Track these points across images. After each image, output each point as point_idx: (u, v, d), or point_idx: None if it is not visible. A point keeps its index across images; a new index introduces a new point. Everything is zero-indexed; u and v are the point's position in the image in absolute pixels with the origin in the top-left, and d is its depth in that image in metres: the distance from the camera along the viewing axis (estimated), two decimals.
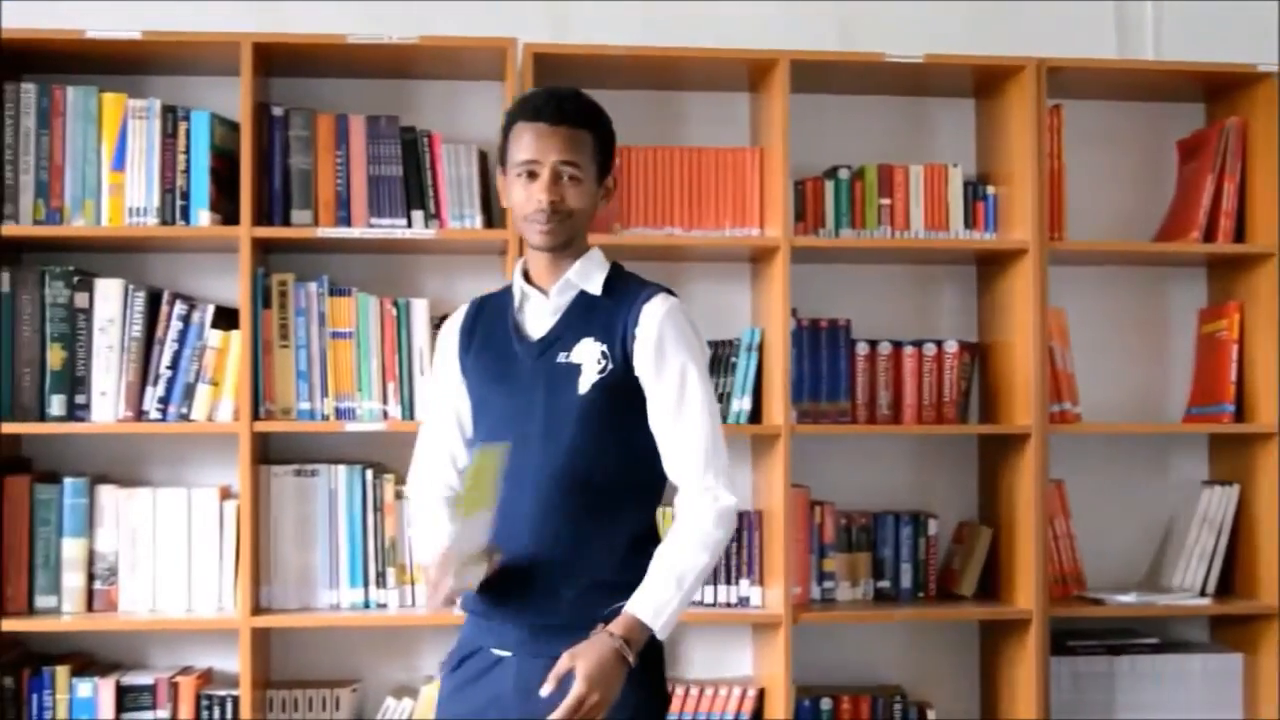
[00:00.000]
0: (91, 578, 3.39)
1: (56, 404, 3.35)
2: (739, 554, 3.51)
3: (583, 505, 2.44)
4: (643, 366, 2.45)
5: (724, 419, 3.47)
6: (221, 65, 3.40)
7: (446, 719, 2.51)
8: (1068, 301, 3.68)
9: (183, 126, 3.39)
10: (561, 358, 2.47)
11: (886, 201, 3.60)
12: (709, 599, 3.51)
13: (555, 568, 2.43)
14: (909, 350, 3.63)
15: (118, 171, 3.38)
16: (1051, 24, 3.82)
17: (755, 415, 3.52)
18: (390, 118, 3.46)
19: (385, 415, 3.41)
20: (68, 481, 3.38)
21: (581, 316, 2.50)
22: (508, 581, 2.44)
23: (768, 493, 3.50)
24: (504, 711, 2.42)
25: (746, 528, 3.52)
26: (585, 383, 2.44)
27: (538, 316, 2.53)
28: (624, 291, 2.51)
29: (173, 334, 3.38)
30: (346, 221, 3.42)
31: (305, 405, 3.40)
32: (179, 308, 3.39)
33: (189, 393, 3.37)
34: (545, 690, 2.28)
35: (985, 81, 3.65)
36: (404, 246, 3.51)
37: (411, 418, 3.39)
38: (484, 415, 2.55)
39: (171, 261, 3.58)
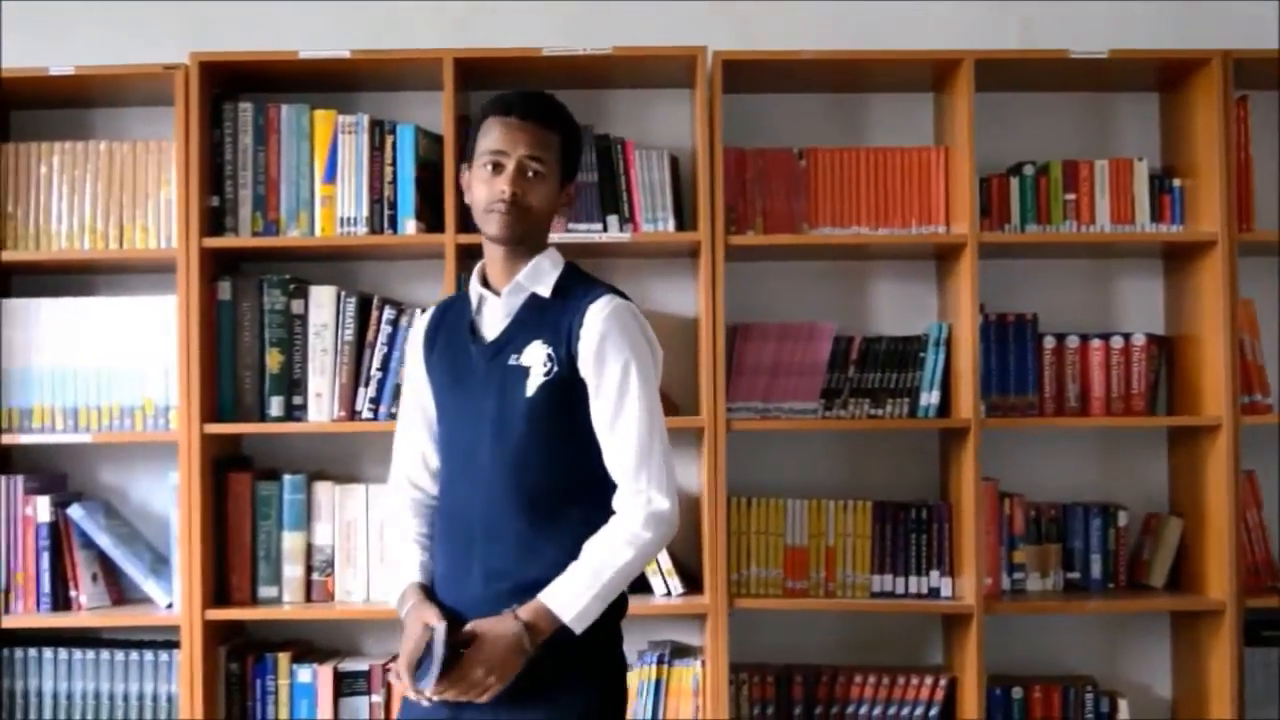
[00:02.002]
0: (309, 569, 3.55)
1: (275, 405, 3.53)
2: (929, 546, 3.57)
3: (529, 506, 2.46)
4: (586, 367, 2.47)
5: (912, 413, 3.57)
6: (425, 81, 3.55)
7: (416, 717, 2.52)
8: (1256, 292, 3.67)
9: (389, 140, 3.54)
10: (512, 360, 2.49)
11: (1071, 196, 3.63)
12: (899, 589, 3.58)
13: (503, 566, 2.46)
14: (1096, 343, 3.65)
15: (329, 184, 3.54)
16: (1235, 15, 3.79)
17: (943, 409, 3.59)
18: (585, 127, 3.54)
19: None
20: (286, 478, 3.56)
21: (531, 318, 2.52)
22: (463, 578, 2.49)
23: (958, 485, 3.55)
24: (455, 707, 2.43)
25: (936, 520, 3.58)
26: (532, 385, 2.46)
27: (492, 318, 2.56)
28: (572, 293, 2.53)
29: (382, 337, 3.53)
30: None
31: None
32: (388, 312, 3.54)
33: (399, 393, 3.50)
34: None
35: (1170, 75, 3.66)
36: (600, 250, 3.63)
37: None
38: (444, 417, 2.60)
39: (380, 268, 3.74)
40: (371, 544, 3.55)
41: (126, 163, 3.57)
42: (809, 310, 3.72)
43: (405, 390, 2.72)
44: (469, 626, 2.39)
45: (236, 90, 3.61)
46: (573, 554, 2.44)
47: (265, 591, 3.55)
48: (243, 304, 3.54)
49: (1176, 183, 3.64)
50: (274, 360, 3.53)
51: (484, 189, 2.49)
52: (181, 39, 3.64)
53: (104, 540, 3.56)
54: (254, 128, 3.55)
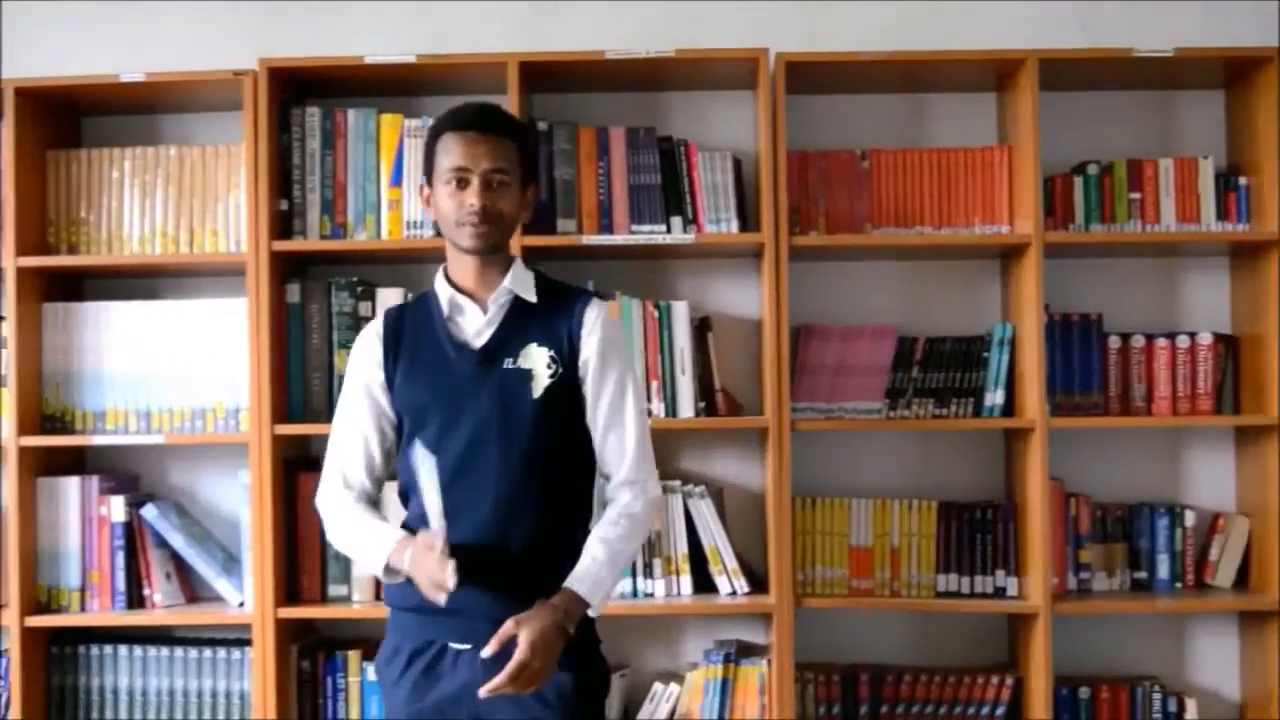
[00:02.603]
0: None
1: None
2: (994, 545, 3.57)
3: (541, 502, 2.54)
4: (587, 368, 2.58)
5: (976, 413, 3.58)
6: (490, 84, 3.58)
7: (410, 718, 2.56)
8: None
9: None
10: (508, 364, 2.55)
11: (1136, 195, 3.62)
12: (964, 589, 3.58)
13: (518, 562, 2.51)
14: (1162, 342, 3.64)
15: (396, 188, 3.59)
16: None
17: (1008, 409, 3.58)
18: (648, 129, 3.61)
19: (650, 413, 3.53)
20: None
21: (520, 323, 2.59)
22: (469, 577, 2.43)
23: (1024, 485, 3.55)
24: (472, 704, 2.46)
25: (1001, 519, 3.57)
26: (538, 387, 2.54)
27: (473, 325, 2.60)
28: (558, 297, 2.63)
29: None
30: (609, 229, 3.57)
31: None
32: None
33: None
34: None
35: (1235, 72, 3.64)
36: (664, 251, 3.65)
37: (674, 415, 3.53)
38: (422, 425, 2.56)
39: None
40: None
41: (196, 167, 3.62)
42: (872, 311, 3.73)
43: (351, 400, 2.68)
44: (509, 623, 2.40)
45: (304, 95, 3.66)
46: (578, 542, 2.55)
47: (335, 590, 3.59)
48: (311, 306, 3.58)
49: (1242, 181, 3.62)
50: (342, 362, 3.54)
51: (451, 204, 2.54)
52: (250, 46, 3.68)
53: (177, 540, 3.61)
54: (321, 132, 3.59)
